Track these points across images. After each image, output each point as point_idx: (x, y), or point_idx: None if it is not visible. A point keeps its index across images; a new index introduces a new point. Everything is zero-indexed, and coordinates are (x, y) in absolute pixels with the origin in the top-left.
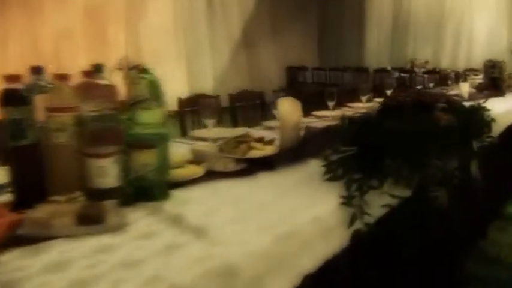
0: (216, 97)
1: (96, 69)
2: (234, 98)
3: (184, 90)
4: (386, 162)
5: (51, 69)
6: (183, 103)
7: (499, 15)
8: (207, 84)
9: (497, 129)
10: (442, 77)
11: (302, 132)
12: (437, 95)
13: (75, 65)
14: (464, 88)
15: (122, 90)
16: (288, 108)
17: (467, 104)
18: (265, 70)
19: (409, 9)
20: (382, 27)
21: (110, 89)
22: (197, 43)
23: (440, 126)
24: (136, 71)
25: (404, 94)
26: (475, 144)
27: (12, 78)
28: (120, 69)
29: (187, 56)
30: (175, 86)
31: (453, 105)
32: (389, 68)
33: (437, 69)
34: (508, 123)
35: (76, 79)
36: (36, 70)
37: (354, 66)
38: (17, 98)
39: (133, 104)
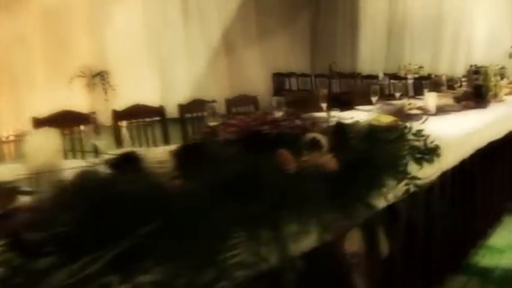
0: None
1: None
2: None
3: (156, 98)
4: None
5: None
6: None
7: (499, 19)
8: (182, 92)
9: (451, 158)
10: (433, 83)
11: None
12: (312, 121)
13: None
14: (431, 99)
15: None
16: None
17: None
18: (248, 77)
19: (405, 13)
20: (376, 32)
21: None
22: (171, 49)
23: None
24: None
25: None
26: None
27: None
28: (82, 76)
29: (160, 62)
30: (147, 94)
31: (343, 137)
32: (381, 74)
33: (433, 75)
34: (466, 152)
35: None
36: None
37: (344, 73)
38: None
39: None
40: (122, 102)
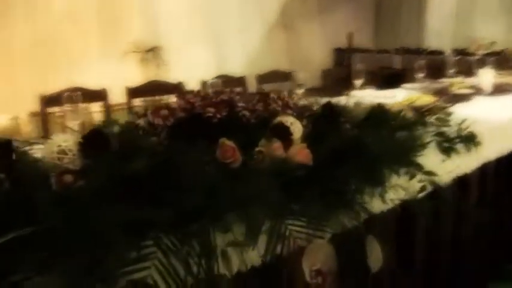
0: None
1: None
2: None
3: (211, 73)
4: None
5: None
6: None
7: None
8: (236, 67)
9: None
10: (500, 59)
11: None
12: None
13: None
14: (486, 77)
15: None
16: None
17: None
18: (307, 52)
19: None
20: (445, 4)
21: None
22: (225, 24)
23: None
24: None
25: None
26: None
27: None
28: (135, 52)
29: (214, 37)
30: (201, 69)
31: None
32: (447, 49)
33: (503, 51)
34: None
35: None
36: None
37: (408, 48)
38: None
39: None
40: (175, 78)
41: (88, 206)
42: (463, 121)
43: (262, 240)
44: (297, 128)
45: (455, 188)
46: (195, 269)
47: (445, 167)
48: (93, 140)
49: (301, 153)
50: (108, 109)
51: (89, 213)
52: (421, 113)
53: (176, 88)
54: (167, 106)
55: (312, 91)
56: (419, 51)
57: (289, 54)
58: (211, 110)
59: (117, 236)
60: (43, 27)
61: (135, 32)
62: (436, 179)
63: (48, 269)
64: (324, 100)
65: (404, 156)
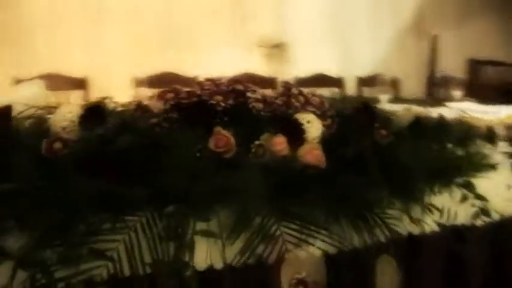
0: None
1: None
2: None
3: (334, 72)
4: None
5: None
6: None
7: None
8: (362, 68)
9: None
10: None
11: None
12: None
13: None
14: None
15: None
16: None
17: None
18: (439, 60)
19: None
20: None
21: None
22: (354, 24)
23: None
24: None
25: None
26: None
27: None
28: (261, 46)
29: (342, 36)
30: (325, 67)
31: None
32: None
33: None
34: None
35: None
36: None
37: None
38: None
39: None
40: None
41: (67, 173)
42: None
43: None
44: (314, 127)
45: None
46: (161, 253)
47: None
48: (92, 113)
49: (311, 153)
50: None
51: (66, 179)
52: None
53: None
54: (175, 90)
55: (404, 100)
56: None
57: (418, 60)
58: (219, 98)
59: (89, 205)
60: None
61: (263, 27)
62: (488, 205)
63: (21, 226)
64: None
65: (451, 174)
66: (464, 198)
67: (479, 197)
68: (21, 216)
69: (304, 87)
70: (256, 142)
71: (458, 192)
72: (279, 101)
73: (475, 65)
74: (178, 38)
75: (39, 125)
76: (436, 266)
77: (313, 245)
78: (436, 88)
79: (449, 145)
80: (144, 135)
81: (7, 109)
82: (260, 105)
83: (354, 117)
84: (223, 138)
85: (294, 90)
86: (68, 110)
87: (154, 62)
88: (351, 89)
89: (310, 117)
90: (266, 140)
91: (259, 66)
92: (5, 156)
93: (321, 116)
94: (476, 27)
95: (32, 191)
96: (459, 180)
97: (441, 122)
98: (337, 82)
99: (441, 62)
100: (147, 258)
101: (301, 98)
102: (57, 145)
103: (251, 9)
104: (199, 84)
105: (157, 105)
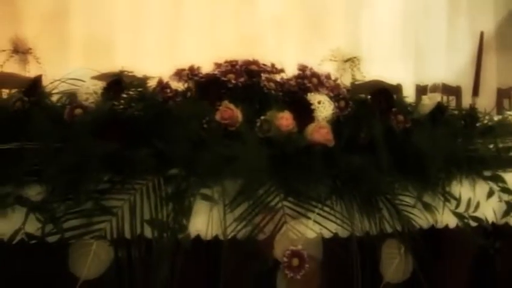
0: None
1: None
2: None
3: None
4: None
5: None
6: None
7: None
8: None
9: None
10: None
11: None
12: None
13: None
14: None
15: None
16: None
17: None
18: None
19: None
20: None
21: None
22: (430, 39)
23: None
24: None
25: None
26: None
27: None
28: (334, 60)
29: (417, 51)
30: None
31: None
32: None
33: None
34: None
35: None
36: None
37: None
38: None
39: None
40: None
41: (83, 135)
42: None
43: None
44: (325, 107)
45: None
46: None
47: None
48: (113, 86)
49: (318, 131)
50: None
51: (81, 141)
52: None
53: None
54: (191, 68)
55: None
56: None
57: (498, 75)
58: (231, 76)
59: (100, 165)
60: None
61: (335, 41)
62: None
63: (38, 179)
64: None
65: (475, 166)
66: (491, 193)
67: (506, 190)
68: (39, 171)
69: None
70: (262, 117)
71: (485, 186)
72: (292, 82)
73: None
74: (250, 50)
75: (69, 96)
76: (461, 264)
77: (312, 219)
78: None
79: (478, 137)
80: (155, 105)
81: (38, 79)
82: (272, 85)
83: (371, 101)
84: (228, 111)
85: (308, 72)
86: (93, 82)
87: None
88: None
89: (322, 97)
90: (272, 116)
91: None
92: (33, 120)
93: (334, 98)
94: None
95: (51, 149)
96: (486, 173)
97: (470, 114)
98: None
99: None
100: (147, 217)
101: (315, 80)
102: (78, 111)
103: (325, 22)
104: (217, 64)
105: (174, 81)
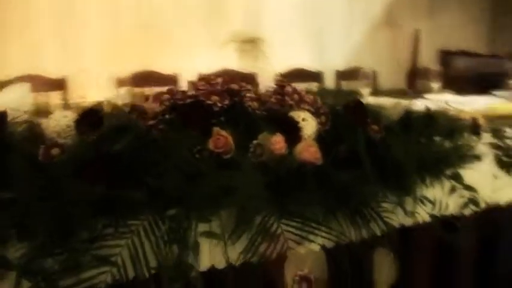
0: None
1: None
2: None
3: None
4: None
5: None
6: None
7: None
8: (338, 62)
9: None
10: None
11: None
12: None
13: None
14: None
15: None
16: None
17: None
18: (410, 51)
19: None
20: None
21: None
22: (329, 18)
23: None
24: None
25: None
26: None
27: None
28: (235, 41)
29: (316, 32)
30: (300, 63)
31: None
32: None
33: None
34: None
35: None
36: None
37: None
38: None
39: None
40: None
41: (65, 179)
42: None
43: (246, 237)
44: (309, 124)
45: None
46: (165, 255)
47: (497, 185)
48: (88, 118)
49: (307, 150)
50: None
51: (65, 185)
52: (474, 123)
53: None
54: (170, 91)
55: (385, 92)
56: None
57: (391, 53)
58: (215, 98)
59: (89, 210)
60: (147, 11)
61: (237, 23)
62: (477, 195)
63: (21, 235)
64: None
65: (440, 167)
66: (453, 189)
67: (468, 187)
68: (21, 225)
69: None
70: (255, 142)
71: (447, 184)
72: (273, 99)
73: (446, 56)
74: (153, 36)
75: (32, 131)
76: (428, 255)
77: (314, 241)
78: (414, 80)
79: (437, 138)
80: (141, 137)
81: (1, 114)
82: (255, 104)
83: (346, 114)
84: (222, 139)
85: (288, 88)
86: (62, 114)
87: (131, 61)
88: (329, 82)
89: (305, 114)
90: (264, 139)
91: (236, 63)
92: (1, 164)
93: (315, 114)
94: (447, 19)
95: (30, 198)
96: (448, 172)
97: (429, 115)
98: (315, 76)
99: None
100: (152, 262)
101: (296, 96)
102: (55, 151)
103: (225, 5)
104: (193, 84)
105: (153, 107)
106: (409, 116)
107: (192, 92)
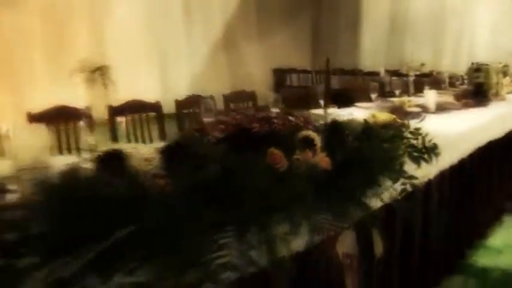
0: (212, 98)
1: None
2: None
3: (156, 94)
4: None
5: None
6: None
7: (503, 16)
8: (182, 88)
9: (450, 157)
10: (434, 81)
11: None
12: (303, 118)
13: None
14: (431, 97)
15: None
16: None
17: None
18: (248, 73)
19: (408, 8)
20: (378, 27)
21: None
22: (172, 44)
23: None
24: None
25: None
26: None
27: None
28: (81, 71)
29: (160, 58)
30: (147, 89)
31: (337, 135)
32: (382, 70)
33: (434, 72)
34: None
35: None
36: None
37: (346, 69)
38: None
39: None
40: (122, 98)
41: (182, 208)
42: (426, 134)
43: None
44: (317, 140)
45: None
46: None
47: (418, 173)
48: (173, 150)
49: (323, 160)
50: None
51: (183, 214)
52: (398, 127)
53: (155, 106)
54: (222, 122)
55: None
56: (355, 72)
57: (231, 75)
58: (256, 125)
59: (205, 232)
60: None
61: (81, 51)
62: (416, 182)
63: (157, 258)
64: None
65: (391, 164)
66: (396, 180)
67: (410, 177)
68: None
69: (121, 115)
70: (295, 156)
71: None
72: (282, 122)
73: (279, 74)
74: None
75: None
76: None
77: (344, 227)
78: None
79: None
80: (219, 164)
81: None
82: (281, 127)
83: (330, 130)
84: (278, 156)
85: (295, 113)
86: (145, 149)
87: None
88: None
89: (313, 133)
90: (300, 155)
91: (80, 92)
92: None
93: (317, 132)
94: (276, 40)
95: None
96: (395, 166)
97: (369, 126)
98: (154, 107)
99: (248, 72)
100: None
101: (302, 119)
102: (160, 181)
103: (65, 33)
104: (231, 116)
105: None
106: (369, 127)
107: (235, 121)
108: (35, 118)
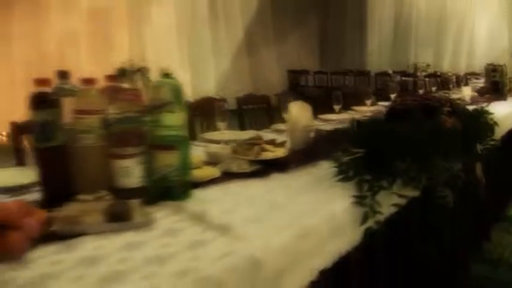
0: (224, 100)
1: (120, 73)
2: (241, 101)
3: (188, 95)
4: (395, 164)
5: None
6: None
7: (500, 18)
8: (209, 88)
9: (499, 132)
10: (443, 81)
11: (312, 135)
12: (442, 99)
13: (80, 68)
14: (467, 92)
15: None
16: (298, 111)
17: (470, 107)
18: (267, 74)
19: (411, 13)
20: (383, 31)
21: (134, 92)
22: (200, 47)
23: (445, 130)
24: (140, 74)
25: (410, 98)
26: (479, 147)
27: (41, 81)
28: (123, 71)
29: (190, 60)
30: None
31: (457, 109)
32: (390, 71)
33: (439, 73)
34: (510, 127)
35: (101, 83)
36: (62, 74)
37: (356, 70)
38: (45, 101)
39: (157, 107)
40: None
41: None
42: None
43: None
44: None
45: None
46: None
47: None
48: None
49: (455, 123)
50: None
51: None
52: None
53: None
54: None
55: None
56: (365, 73)
57: (252, 76)
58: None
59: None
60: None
61: (123, 53)
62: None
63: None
64: None
65: (488, 129)
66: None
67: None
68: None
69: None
70: (448, 121)
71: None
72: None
73: (293, 75)
74: (49, 65)
75: None
76: None
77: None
78: None
79: None
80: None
81: None
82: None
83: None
84: (449, 121)
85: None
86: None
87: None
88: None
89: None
90: (448, 121)
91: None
92: None
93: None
94: (288, 43)
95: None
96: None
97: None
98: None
99: (266, 74)
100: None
101: (443, 100)
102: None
103: (112, 37)
104: (401, 97)
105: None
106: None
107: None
108: None
